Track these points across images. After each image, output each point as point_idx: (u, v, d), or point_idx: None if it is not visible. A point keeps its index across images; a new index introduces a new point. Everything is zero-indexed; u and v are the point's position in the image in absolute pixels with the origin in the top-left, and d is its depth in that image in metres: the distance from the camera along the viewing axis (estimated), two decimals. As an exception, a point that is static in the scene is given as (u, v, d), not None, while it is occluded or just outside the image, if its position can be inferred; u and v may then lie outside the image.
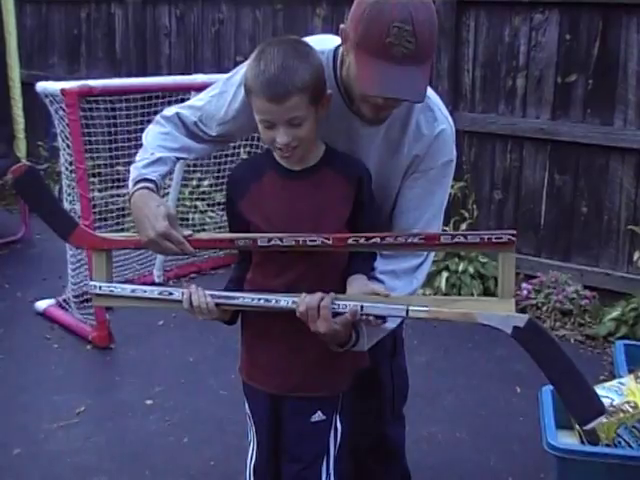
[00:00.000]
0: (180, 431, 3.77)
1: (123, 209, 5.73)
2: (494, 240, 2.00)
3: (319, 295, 2.00)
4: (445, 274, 5.20)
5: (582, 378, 1.97)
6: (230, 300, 2.11)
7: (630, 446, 2.77)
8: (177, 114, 2.37)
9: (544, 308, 4.95)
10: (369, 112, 2.10)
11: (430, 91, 2.24)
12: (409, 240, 2.04)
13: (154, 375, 4.33)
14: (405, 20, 1.87)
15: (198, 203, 6.22)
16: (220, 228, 5.91)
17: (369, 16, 1.90)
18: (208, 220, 6.11)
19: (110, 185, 5.84)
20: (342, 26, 2.03)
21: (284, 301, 2.05)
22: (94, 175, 5.69)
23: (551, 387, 2.97)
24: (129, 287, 2.24)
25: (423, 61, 1.94)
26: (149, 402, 4.04)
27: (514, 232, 2.00)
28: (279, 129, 2.00)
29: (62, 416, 3.89)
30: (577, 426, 2.87)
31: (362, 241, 2.04)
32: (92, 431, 3.78)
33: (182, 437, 3.73)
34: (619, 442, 2.78)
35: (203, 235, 2.24)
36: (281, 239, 2.04)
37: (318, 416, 2.25)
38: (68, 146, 4.71)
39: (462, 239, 2.02)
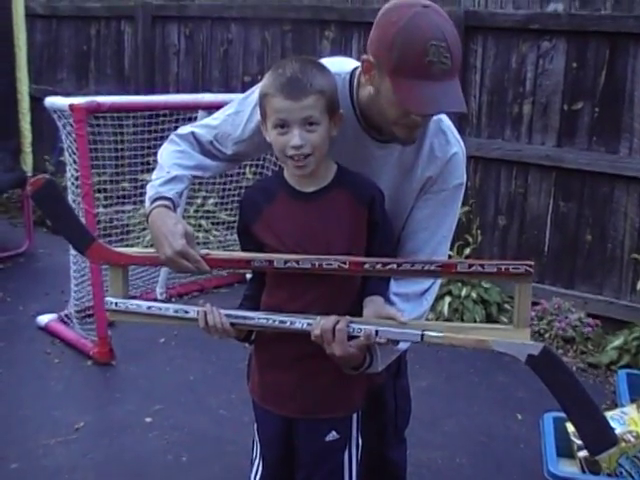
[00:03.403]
0: (179, 450, 3.76)
1: (127, 225, 5.74)
2: (511, 270, 1.99)
3: (334, 318, 2.00)
4: (448, 299, 5.20)
5: (596, 408, 1.96)
6: (245, 320, 2.11)
7: (632, 476, 2.76)
8: (192, 133, 2.37)
9: (547, 335, 4.95)
10: (403, 133, 2.11)
11: (443, 115, 2.26)
12: (426, 267, 2.04)
13: (154, 393, 4.31)
14: (440, 38, 1.92)
15: (203, 222, 6.22)
16: (224, 247, 5.91)
17: (403, 40, 1.94)
18: (212, 239, 6.11)
19: (115, 201, 5.85)
20: (364, 57, 2.05)
21: (299, 323, 2.04)
22: (99, 191, 5.71)
23: (553, 415, 2.98)
24: (145, 304, 2.23)
25: (456, 74, 2.00)
26: (148, 420, 4.03)
27: (531, 263, 1.99)
28: (293, 131, 2.01)
29: (61, 431, 3.88)
30: (578, 454, 2.86)
31: (379, 266, 2.03)
32: (90, 447, 3.76)
33: (181, 456, 3.72)
34: (620, 472, 2.78)
35: (220, 254, 2.21)
36: (297, 261, 2.04)
37: (332, 436, 2.25)
38: (75, 161, 4.72)
39: (479, 268, 2.01)
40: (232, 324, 2.11)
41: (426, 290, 2.25)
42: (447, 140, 2.24)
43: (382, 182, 2.20)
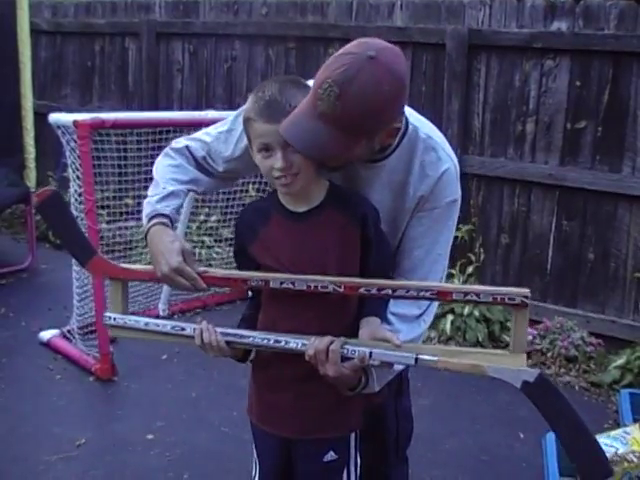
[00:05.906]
0: (180, 467, 3.75)
1: (130, 242, 5.74)
2: (507, 301, 1.97)
3: (328, 339, 1.99)
4: (450, 317, 5.19)
5: (591, 437, 1.93)
6: (240, 339, 2.11)
7: (634, 496, 2.74)
8: (187, 147, 2.38)
9: (549, 354, 4.93)
10: None
11: (433, 131, 2.24)
12: (421, 294, 2.03)
13: (156, 409, 4.31)
14: (338, 82, 1.88)
15: (205, 238, 6.23)
16: (227, 264, 5.91)
17: (323, 67, 1.95)
18: (215, 255, 6.12)
19: (118, 218, 5.85)
20: None
21: (294, 343, 2.04)
22: (102, 207, 5.72)
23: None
24: (143, 320, 2.24)
25: (343, 128, 1.92)
26: (150, 437, 4.02)
27: (528, 294, 1.95)
28: (276, 154, 2.01)
29: (62, 448, 3.87)
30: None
31: (374, 291, 2.02)
32: (91, 464, 3.76)
33: (182, 473, 3.71)
34: (623, 492, 2.76)
35: (217, 272, 2.21)
36: (293, 282, 2.03)
37: (330, 456, 2.24)
38: (78, 177, 4.73)
39: (474, 297, 1.99)
40: (228, 342, 2.10)
41: (424, 312, 2.24)
42: (438, 157, 2.20)
43: (374, 203, 2.19)
